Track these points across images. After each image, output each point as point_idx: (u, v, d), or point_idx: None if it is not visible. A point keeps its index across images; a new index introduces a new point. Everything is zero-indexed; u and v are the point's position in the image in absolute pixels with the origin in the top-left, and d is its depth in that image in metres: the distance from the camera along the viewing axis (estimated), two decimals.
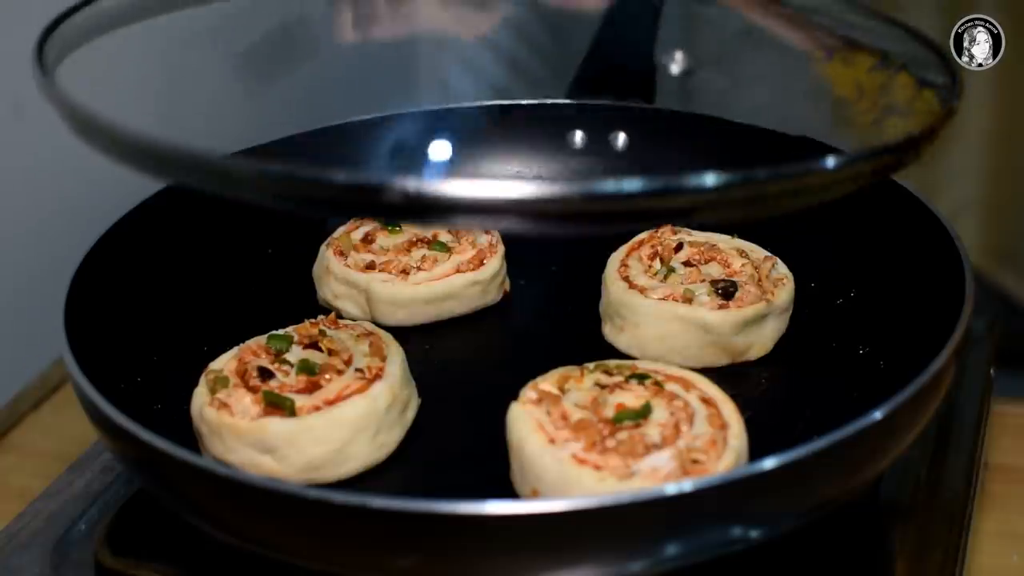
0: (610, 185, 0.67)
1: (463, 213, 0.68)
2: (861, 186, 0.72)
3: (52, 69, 0.80)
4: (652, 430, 0.87)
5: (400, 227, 1.14)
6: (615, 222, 0.73)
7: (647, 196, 0.67)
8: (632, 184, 0.67)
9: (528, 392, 0.92)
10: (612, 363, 0.96)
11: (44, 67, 0.79)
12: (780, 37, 1.09)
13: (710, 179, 0.68)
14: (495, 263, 1.12)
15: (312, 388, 0.93)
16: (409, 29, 1.24)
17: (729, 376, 1.01)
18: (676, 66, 1.22)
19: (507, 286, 1.14)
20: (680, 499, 0.74)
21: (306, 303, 1.12)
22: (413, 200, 0.67)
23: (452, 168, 1.25)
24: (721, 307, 1.03)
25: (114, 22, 0.91)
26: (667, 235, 1.12)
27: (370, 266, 1.10)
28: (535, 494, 0.86)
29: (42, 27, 0.82)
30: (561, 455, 0.85)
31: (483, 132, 1.26)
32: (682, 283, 1.06)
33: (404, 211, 0.69)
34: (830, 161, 0.71)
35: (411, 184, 0.66)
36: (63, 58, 0.83)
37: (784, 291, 1.05)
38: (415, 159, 1.24)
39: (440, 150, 1.18)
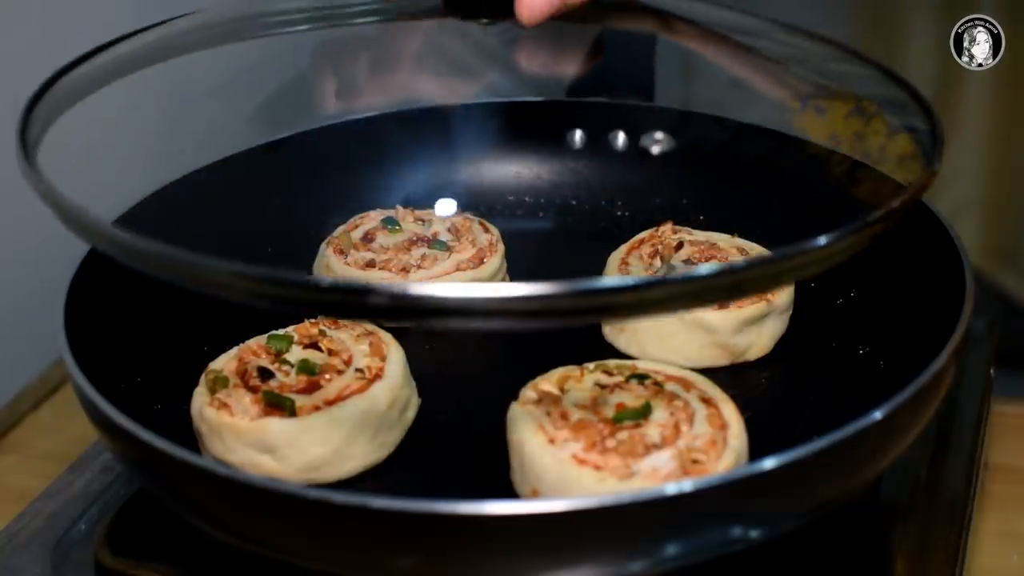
0: (594, 283, 0.68)
1: (450, 316, 0.68)
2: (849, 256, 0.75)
3: (35, 148, 0.81)
4: (652, 430, 0.87)
5: (400, 226, 1.14)
6: (605, 315, 0.74)
7: (631, 291, 0.69)
8: (615, 281, 0.70)
9: (528, 392, 0.92)
10: (612, 363, 0.96)
11: (27, 150, 0.80)
12: (754, 84, 1.09)
13: (704, 268, 0.70)
14: (495, 262, 1.12)
15: (312, 388, 0.93)
16: (393, 101, 1.24)
17: (729, 376, 1.01)
18: (657, 146, 1.23)
19: None
20: (680, 499, 0.74)
21: None
22: (399, 303, 0.68)
23: (452, 171, 1.25)
24: (721, 307, 1.03)
25: (89, 87, 0.92)
26: (668, 234, 1.12)
27: (370, 264, 1.10)
28: (535, 494, 0.86)
29: (41, 28, 0.82)
30: (561, 455, 0.85)
31: (482, 131, 1.26)
32: None
33: (390, 313, 0.71)
34: (820, 240, 0.73)
35: (397, 289, 0.68)
36: (46, 129, 0.84)
37: (784, 291, 1.05)
38: (415, 160, 1.25)
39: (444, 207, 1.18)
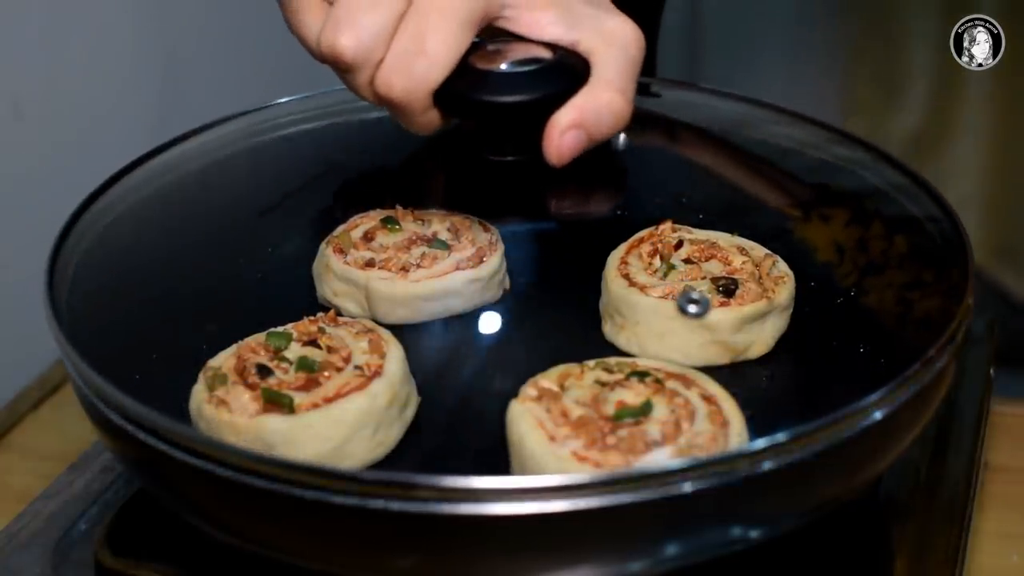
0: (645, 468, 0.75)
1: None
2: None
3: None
4: (653, 428, 0.87)
5: (400, 225, 1.14)
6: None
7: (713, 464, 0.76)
8: (681, 462, 0.76)
9: (528, 389, 0.92)
10: (612, 360, 0.96)
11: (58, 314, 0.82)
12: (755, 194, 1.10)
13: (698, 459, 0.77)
14: (495, 261, 1.12)
15: (311, 385, 0.93)
16: None
17: (730, 374, 1.01)
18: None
19: (507, 284, 1.14)
20: (680, 499, 0.74)
21: (306, 301, 1.12)
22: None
23: (452, 170, 1.25)
24: (722, 305, 1.03)
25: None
26: (667, 233, 1.12)
27: (370, 263, 1.10)
28: None
29: (40, 29, 0.82)
30: (561, 453, 0.85)
31: (482, 131, 1.26)
32: (682, 280, 1.05)
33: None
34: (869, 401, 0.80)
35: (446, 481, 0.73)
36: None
37: (785, 289, 1.05)
38: (415, 159, 1.24)
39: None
